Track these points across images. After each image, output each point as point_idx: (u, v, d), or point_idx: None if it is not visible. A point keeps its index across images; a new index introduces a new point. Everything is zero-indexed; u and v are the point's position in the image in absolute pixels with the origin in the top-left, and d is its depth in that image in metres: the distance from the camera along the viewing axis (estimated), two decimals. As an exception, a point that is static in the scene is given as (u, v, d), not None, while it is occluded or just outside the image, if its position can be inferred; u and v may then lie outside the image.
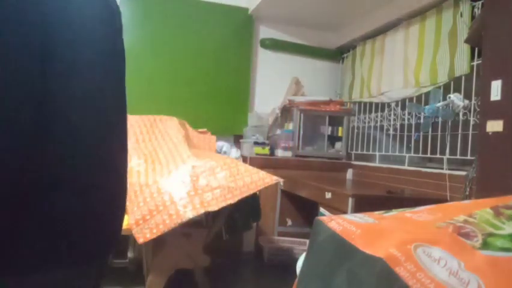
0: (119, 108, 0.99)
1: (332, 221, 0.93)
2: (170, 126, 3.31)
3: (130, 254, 3.07)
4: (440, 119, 2.96)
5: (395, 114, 3.60)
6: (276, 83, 4.26)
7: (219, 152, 3.70)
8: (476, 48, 2.66)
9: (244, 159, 3.75)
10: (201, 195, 2.34)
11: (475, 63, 2.73)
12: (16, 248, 0.76)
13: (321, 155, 4.08)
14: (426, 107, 2.97)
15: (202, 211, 2.28)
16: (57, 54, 0.87)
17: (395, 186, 3.24)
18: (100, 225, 0.97)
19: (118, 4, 1.01)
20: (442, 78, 2.96)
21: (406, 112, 3.41)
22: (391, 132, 3.64)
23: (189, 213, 2.25)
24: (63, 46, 0.88)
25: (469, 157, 2.75)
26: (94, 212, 0.96)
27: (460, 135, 2.85)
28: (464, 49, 2.77)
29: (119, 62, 0.99)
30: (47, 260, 0.79)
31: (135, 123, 3.28)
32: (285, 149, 3.93)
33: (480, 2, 2.68)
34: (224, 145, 3.82)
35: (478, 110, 2.56)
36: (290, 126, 4.06)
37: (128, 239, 2.90)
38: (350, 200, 2.55)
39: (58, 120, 0.87)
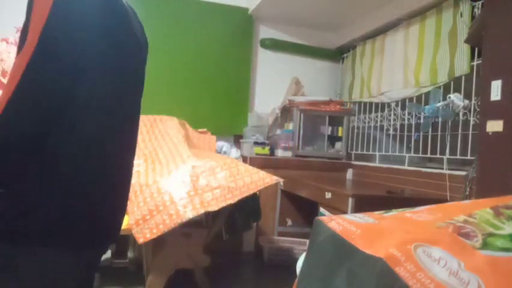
0: (122, 109, 0.99)
1: (332, 221, 0.93)
2: (170, 126, 3.31)
3: (130, 254, 3.07)
4: (440, 119, 2.96)
5: (395, 114, 3.60)
6: (276, 83, 4.26)
7: (219, 152, 3.70)
8: (476, 48, 2.65)
9: (244, 159, 3.75)
10: (201, 195, 2.34)
11: (475, 63, 2.73)
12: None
13: (321, 155, 4.08)
14: (426, 107, 2.97)
15: (202, 211, 2.28)
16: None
17: (395, 186, 3.24)
18: (98, 224, 0.97)
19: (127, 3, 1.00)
20: (442, 78, 2.96)
21: (406, 112, 3.41)
22: (391, 132, 3.64)
23: (189, 213, 2.25)
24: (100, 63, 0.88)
25: (469, 157, 2.75)
26: (93, 211, 0.95)
27: (460, 135, 2.85)
28: (464, 49, 2.77)
29: (124, 64, 0.97)
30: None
31: (135, 123, 3.27)
32: (285, 149, 3.93)
33: (480, 2, 2.68)
34: (224, 145, 3.82)
35: (478, 110, 2.56)
36: (290, 126, 4.06)
37: (128, 239, 2.91)
38: (350, 200, 2.55)
39: (58, 120, 0.87)
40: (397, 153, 3.56)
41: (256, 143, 3.91)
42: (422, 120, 3.15)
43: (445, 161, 2.92)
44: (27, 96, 0.76)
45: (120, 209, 1.04)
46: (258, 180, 2.54)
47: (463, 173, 2.64)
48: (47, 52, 0.76)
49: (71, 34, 0.81)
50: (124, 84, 0.99)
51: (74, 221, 0.87)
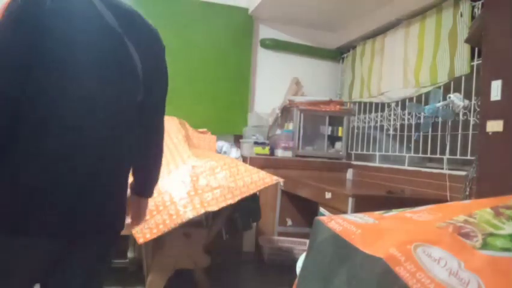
0: (121, 109, 0.99)
1: (332, 221, 0.93)
2: (171, 126, 3.31)
3: (130, 254, 3.06)
4: (440, 119, 2.96)
5: (395, 114, 3.60)
6: (276, 83, 4.26)
7: (219, 152, 3.70)
8: (476, 48, 2.65)
9: (244, 159, 3.75)
10: (201, 195, 2.33)
11: (475, 63, 2.73)
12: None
13: (321, 155, 4.08)
14: (426, 107, 2.96)
15: (202, 211, 2.28)
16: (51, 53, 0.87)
17: (395, 186, 3.24)
18: (95, 223, 0.97)
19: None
20: (442, 78, 2.95)
21: (406, 112, 3.41)
22: (391, 132, 3.64)
23: (189, 213, 2.25)
24: (58, 45, 0.88)
25: (469, 157, 2.74)
26: (92, 210, 0.95)
27: (460, 135, 2.85)
28: (464, 49, 2.76)
29: (120, 65, 0.98)
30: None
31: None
32: (285, 149, 3.93)
33: (480, 2, 2.68)
34: (224, 145, 3.81)
35: (478, 110, 2.56)
36: (290, 126, 4.06)
37: (128, 239, 2.90)
38: (350, 200, 2.54)
39: (54, 119, 0.87)
40: (397, 153, 3.56)
41: (256, 143, 3.91)
42: (422, 120, 3.14)
43: (445, 161, 2.92)
44: None
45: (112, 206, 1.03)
46: (258, 180, 2.54)
47: (463, 173, 2.64)
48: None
49: (63, 36, 0.84)
50: (125, 86, 0.99)
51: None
